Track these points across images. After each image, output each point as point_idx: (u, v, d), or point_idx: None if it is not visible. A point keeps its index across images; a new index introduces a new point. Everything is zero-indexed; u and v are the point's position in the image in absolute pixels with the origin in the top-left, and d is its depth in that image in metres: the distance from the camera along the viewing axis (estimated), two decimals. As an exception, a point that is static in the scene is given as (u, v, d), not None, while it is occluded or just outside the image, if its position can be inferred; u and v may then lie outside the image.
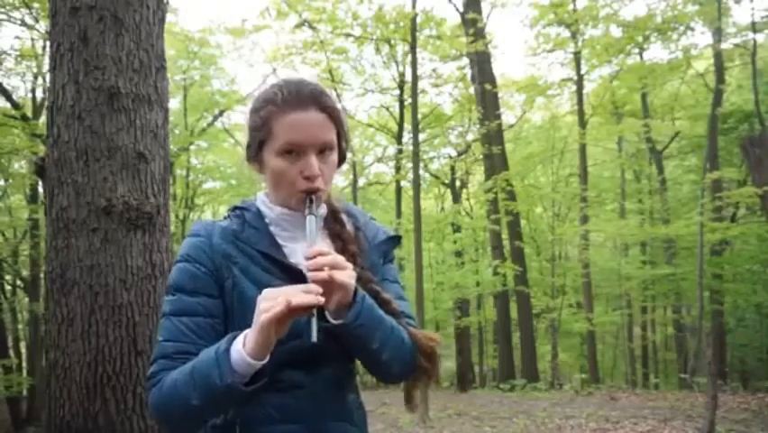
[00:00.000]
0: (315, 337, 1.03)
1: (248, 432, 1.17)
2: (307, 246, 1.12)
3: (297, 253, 1.22)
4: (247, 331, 1.06)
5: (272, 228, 1.25)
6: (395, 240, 1.36)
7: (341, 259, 1.11)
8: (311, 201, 1.18)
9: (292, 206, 1.22)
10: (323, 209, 1.27)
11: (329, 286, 1.06)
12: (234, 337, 1.08)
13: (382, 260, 1.34)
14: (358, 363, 1.30)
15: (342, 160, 1.27)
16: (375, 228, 1.35)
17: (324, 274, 1.06)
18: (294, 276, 1.17)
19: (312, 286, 1.04)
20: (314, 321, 1.04)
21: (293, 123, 1.17)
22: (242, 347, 1.05)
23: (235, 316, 1.18)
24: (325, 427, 1.20)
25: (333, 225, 1.29)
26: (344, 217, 1.31)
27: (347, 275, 1.09)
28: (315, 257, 1.08)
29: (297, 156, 1.18)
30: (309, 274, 1.07)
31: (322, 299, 1.04)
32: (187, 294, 1.18)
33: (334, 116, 1.20)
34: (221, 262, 1.19)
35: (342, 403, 1.25)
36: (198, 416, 1.12)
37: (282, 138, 1.18)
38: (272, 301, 1.02)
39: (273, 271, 1.20)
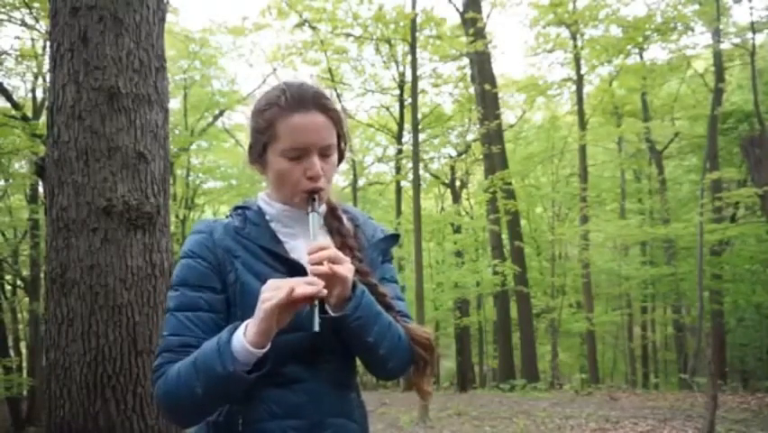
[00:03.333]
0: (317, 327, 1.07)
1: (250, 428, 1.18)
2: (310, 243, 1.17)
3: (296, 249, 1.25)
4: (248, 321, 1.09)
5: (273, 225, 1.29)
6: (393, 238, 1.39)
7: (340, 254, 1.15)
8: (313, 200, 1.22)
9: (294, 204, 1.26)
10: (322, 208, 1.30)
11: (329, 279, 1.11)
12: (236, 328, 1.10)
13: (381, 258, 1.37)
14: (359, 362, 1.31)
15: (340, 159, 1.32)
16: (374, 227, 1.39)
17: (324, 268, 1.10)
18: (294, 271, 1.19)
19: (314, 279, 1.09)
20: (316, 311, 1.08)
21: (297, 125, 1.21)
22: (243, 336, 1.08)
23: (237, 308, 1.20)
24: (326, 423, 1.22)
25: (331, 221, 1.32)
26: (343, 215, 1.35)
27: (346, 269, 1.14)
28: (317, 252, 1.13)
29: (301, 157, 1.22)
30: (310, 268, 1.11)
31: (324, 291, 1.08)
32: (191, 289, 1.21)
33: (335, 118, 1.25)
34: (223, 256, 1.23)
35: (343, 400, 1.26)
36: (204, 405, 1.14)
37: (286, 140, 1.21)
38: (274, 291, 1.05)
39: (274, 265, 1.23)
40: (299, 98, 1.22)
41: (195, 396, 1.10)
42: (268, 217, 1.29)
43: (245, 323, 1.10)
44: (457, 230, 18.43)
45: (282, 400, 1.19)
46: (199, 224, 1.30)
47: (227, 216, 1.32)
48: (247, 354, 1.07)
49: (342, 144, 1.30)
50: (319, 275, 1.10)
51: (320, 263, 1.11)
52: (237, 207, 1.33)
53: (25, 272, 12.30)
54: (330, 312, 1.15)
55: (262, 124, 1.24)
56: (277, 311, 1.05)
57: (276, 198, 1.29)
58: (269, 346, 1.09)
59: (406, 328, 1.28)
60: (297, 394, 1.19)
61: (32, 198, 11.84)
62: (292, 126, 1.21)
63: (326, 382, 1.22)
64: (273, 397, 1.19)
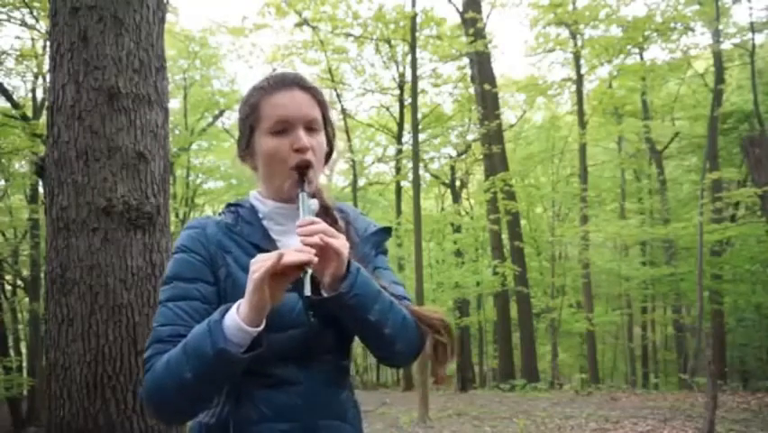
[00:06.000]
0: (308, 291, 1.04)
1: (241, 430, 1.16)
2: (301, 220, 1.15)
3: (288, 246, 1.22)
4: (241, 300, 1.06)
5: (265, 222, 1.28)
6: (386, 231, 1.39)
7: (333, 230, 1.13)
8: (303, 181, 1.22)
9: (285, 189, 1.25)
10: (315, 205, 1.28)
11: (323, 254, 1.09)
12: (228, 309, 1.07)
13: (374, 251, 1.35)
14: (356, 362, 1.30)
15: (330, 148, 1.33)
16: (366, 222, 1.39)
17: (316, 238, 1.08)
18: None
19: (305, 247, 1.06)
20: (308, 277, 1.04)
21: (279, 101, 1.25)
22: (237, 314, 1.05)
23: (228, 303, 1.17)
24: (319, 424, 1.19)
25: (325, 219, 1.29)
26: (336, 213, 1.34)
27: (339, 243, 1.11)
28: (308, 225, 1.11)
29: (287, 132, 1.24)
30: (301, 239, 1.08)
31: (315, 259, 1.05)
32: (184, 281, 1.20)
33: (318, 97, 1.28)
34: (215, 251, 1.22)
35: (336, 401, 1.24)
36: (193, 392, 1.08)
37: (271, 116, 1.24)
38: (263, 261, 1.03)
39: None
40: (281, 80, 1.27)
41: (184, 382, 1.06)
42: (260, 215, 1.28)
43: (238, 302, 1.07)
44: (457, 230, 18.42)
45: (274, 402, 1.17)
46: (192, 221, 1.30)
47: (220, 214, 1.32)
48: (240, 333, 1.04)
49: (329, 129, 1.31)
50: (310, 246, 1.07)
51: (311, 237, 1.08)
52: (230, 205, 1.33)
53: (25, 272, 12.31)
54: (324, 294, 1.11)
55: (248, 109, 1.28)
56: (267, 280, 1.02)
57: (267, 193, 1.29)
58: (263, 325, 1.05)
59: (414, 312, 1.25)
60: (291, 396, 1.17)
61: (32, 198, 11.84)
62: (274, 103, 1.24)
63: (319, 383, 1.20)
64: (265, 398, 1.16)
